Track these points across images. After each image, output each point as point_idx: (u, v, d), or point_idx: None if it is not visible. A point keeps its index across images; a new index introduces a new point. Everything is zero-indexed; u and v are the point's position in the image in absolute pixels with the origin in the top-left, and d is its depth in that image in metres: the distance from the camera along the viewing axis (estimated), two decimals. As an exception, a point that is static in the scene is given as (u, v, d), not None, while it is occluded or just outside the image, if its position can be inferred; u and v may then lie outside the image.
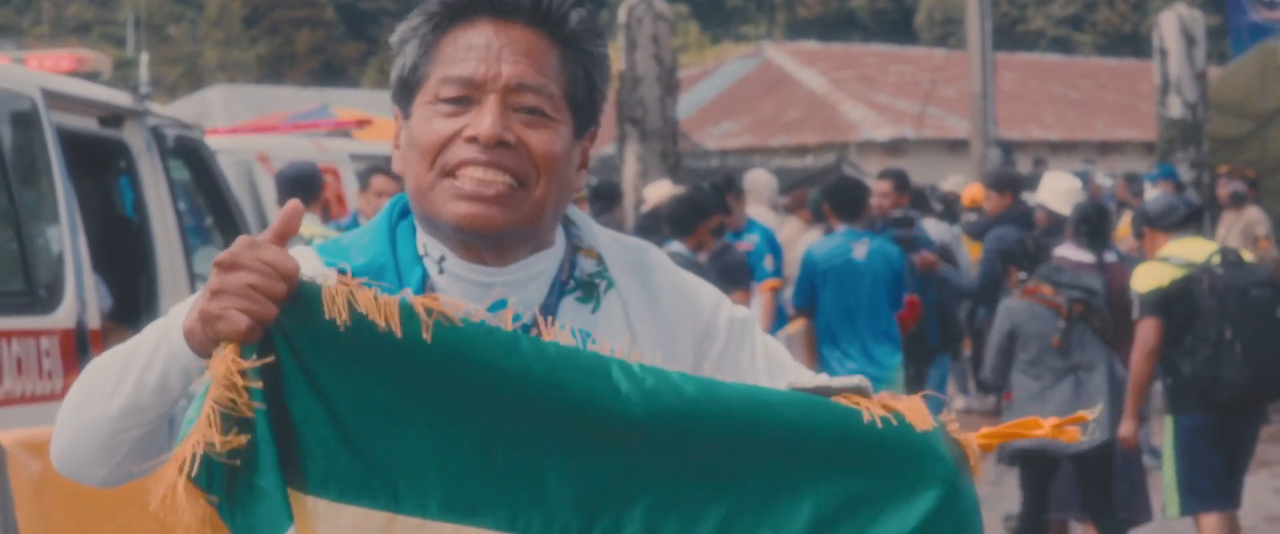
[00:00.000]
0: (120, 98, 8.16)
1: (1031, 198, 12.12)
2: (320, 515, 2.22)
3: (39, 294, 6.92)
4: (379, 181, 11.03)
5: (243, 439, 2.17)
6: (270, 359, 2.20)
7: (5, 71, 7.31)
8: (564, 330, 2.34)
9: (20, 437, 4.86)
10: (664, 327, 2.53)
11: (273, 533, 2.18)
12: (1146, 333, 8.55)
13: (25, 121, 7.12)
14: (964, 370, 16.12)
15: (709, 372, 2.55)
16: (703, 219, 10.49)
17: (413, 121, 2.46)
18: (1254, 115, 20.59)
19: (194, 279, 8.32)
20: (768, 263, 11.87)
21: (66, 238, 7.10)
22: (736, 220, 11.93)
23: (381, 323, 2.21)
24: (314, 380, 2.22)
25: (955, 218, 16.02)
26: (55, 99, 7.37)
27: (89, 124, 7.94)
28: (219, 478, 2.18)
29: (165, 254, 8.21)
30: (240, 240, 2.20)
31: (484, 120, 2.39)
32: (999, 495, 10.73)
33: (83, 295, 7.09)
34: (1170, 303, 8.47)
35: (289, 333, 2.21)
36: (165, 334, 2.30)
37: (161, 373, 2.29)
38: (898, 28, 65.91)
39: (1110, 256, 9.56)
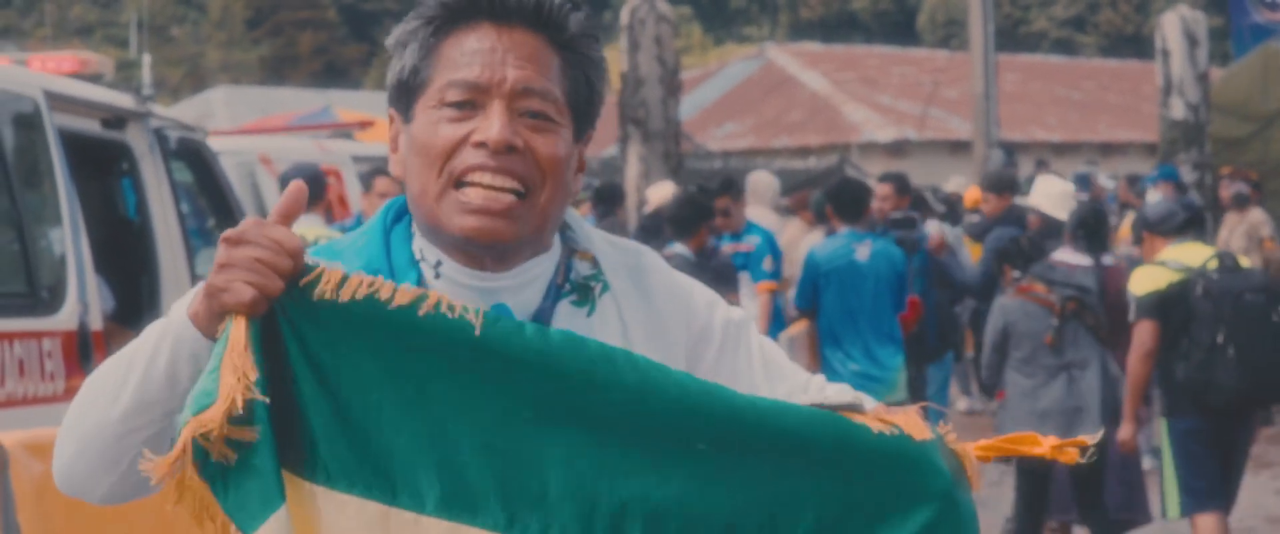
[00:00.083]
0: (123, 99, 8.16)
1: (1023, 201, 12.13)
2: (317, 501, 2.22)
3: (41, 296, 6.92)
4: (382, 183, 11.03)
5: (247, 425, 2.16)
6: (273, 341, 2.21)
7: (8, 73, 7.31)
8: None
9: (22, 438, 4.86)
10: (659, 329, 2.53)
11: (264, 511, 2.17)
12: (1143, 335, 8.57)
13: (28, 123, 7.12)
14: (966, 372, 16.10)
15: (705, 374, 2.55)
16: (705, 220, 10.51)
17: (415, 126, 2.45)
18: (1256, 116, 20.60)
19: (196, 281, 8.31)
20: (767, 264, 11.89)
21: (69, 239, 7.09)
22: (735, 222, 11.94)
23: (385, 297, 2.22)
24: (317, 366, 2.23)
25: (958, 219, 16.00)
26: (58, 101, 7.37)
27: (91, 126, 7.94)
28: (221, 449, 2.17)
29: (167, 256, 8.20)
30: (248, 220, 2.23)
31: (492, 125, 2.38)
32: (1000, 497, 10.72)
33: (85, 297, 7.08)
34: (1166, 306, 8.50)
35: (293, 317, 2.22)
36: (168, 325, 2.30)
37: (169, 361, 2.28)
38: (900, 29, 65.89)
39: (1108, 259, 9.59)
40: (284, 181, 10.55)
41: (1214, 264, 8.51)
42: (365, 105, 27.60)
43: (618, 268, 2.55)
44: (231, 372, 2.16)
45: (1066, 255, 9.44)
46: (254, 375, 2.16)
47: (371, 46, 62.41)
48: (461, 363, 2.24)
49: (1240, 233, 16.61)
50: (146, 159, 8.18)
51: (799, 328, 11.04)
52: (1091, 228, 9.58)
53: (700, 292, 2.61)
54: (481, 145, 2.38)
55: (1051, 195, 11.84)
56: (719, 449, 2.29)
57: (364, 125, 17.86)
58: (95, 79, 8.44)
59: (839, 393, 2.42)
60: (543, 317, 2.46)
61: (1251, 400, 8.57)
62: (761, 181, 15.06)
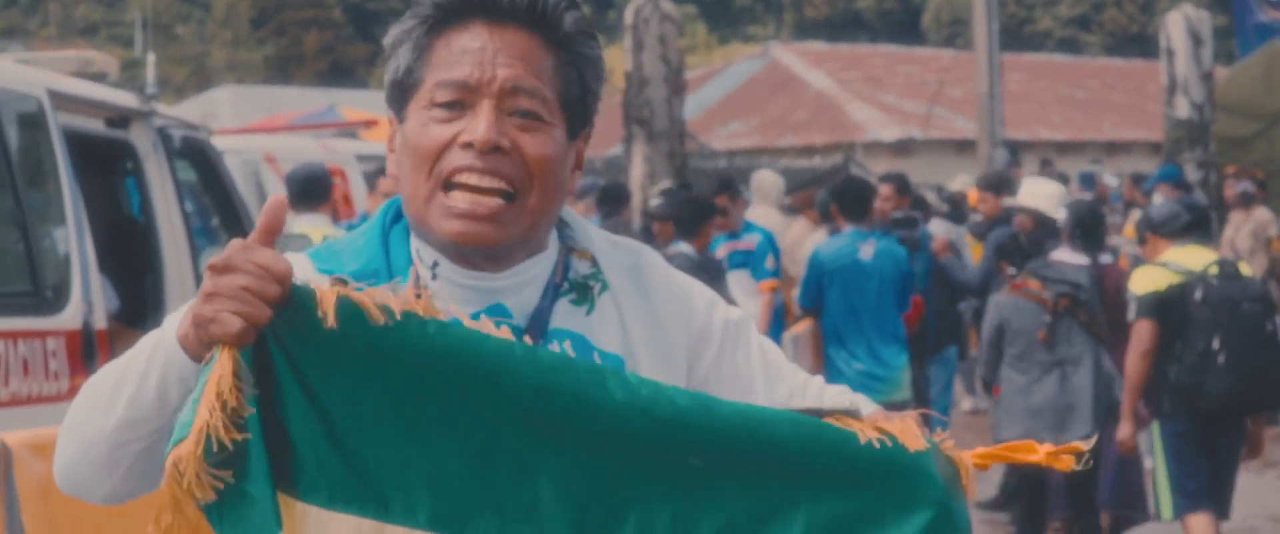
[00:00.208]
0: (127, 98, 8.16)
1: (1011, 202, 12.12)
2: (310, 522, 2.21)
3: (45, 295, 6.92)
4: (387, 183, 11.03)
5: (236, 442, 2.15)
6: (263, 364, 2.19)
7: (12, 72, 7.31)
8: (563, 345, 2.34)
9: (26, 438, 4.86)
10: (658, 328, 2.52)
11: None
12: (1141, 334, 8.61)
13: (32, 122, 7.11)
14: (971, 370, 16.09)
15: (704, 373, 2.55)
16: (709, 220, 10.51)
17: (407, 126, 2.45)
18: (1261, 115, 20.57)
19: (200, 280, 8.29)
20: (769, 263, 11.91)
21: (73, 239, 7.09)
22: (733, 222, 11.94)
23: (377, 319, 2.20)
24: (307, 386, 2.21)
25: (962, 218, 16.00)
26: (62, 100, 7.37)
27: (95, 125, 7.94)
28: (204, 481, 2.16)
29: (172, 255, 8.20)
30: (233, 243, 2.19)
31: (479, 125, 2.38)
32: (985, 475, 10.74)
33: (89, 296, 7.08)
34: (1164, 307, 8.53)
35: (283, 337, 2.20)
36: (160, 343, 2.29)
37: (159, 382, 2.26)
38: (905, 28, 65.86)
39: (1105, 258, 9.61)
40: (290, 181, 10.55)
41: (1215, 270, 8.55)
42: (370, 105, 27.57)
43: (617, 267, 2.54)
44: (207, 407, 2.13)
45: (1064, 254, 9.48)
46: (236, 407, 2.14)
47: (377, 46, 62.36)
48: (453, 382, 2.23)
49: (1246, 232, 16.59)
50: (151, 158, 8.18)
51: (803, 327, 11.04)
52: (1089, 227, 9.62)
53: (700, 291, 2.61)
54: (469, 146, 2.38)
55: (1041, 195, 11.82)
56: (711, 462, 2.28)
57: (369, 124, 17.86)
58: (99, 78, 8.43)
59: (836, 397, 2.42)
60: (541, 316, 2.46)
61: (1240, 407, 8.61)
62: (766, 181, 15.08)
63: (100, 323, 7.18)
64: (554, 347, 2.41)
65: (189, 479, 2.14)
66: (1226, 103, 20.69)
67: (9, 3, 65.23)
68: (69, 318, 6.94)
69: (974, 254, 13.62)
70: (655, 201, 10.12)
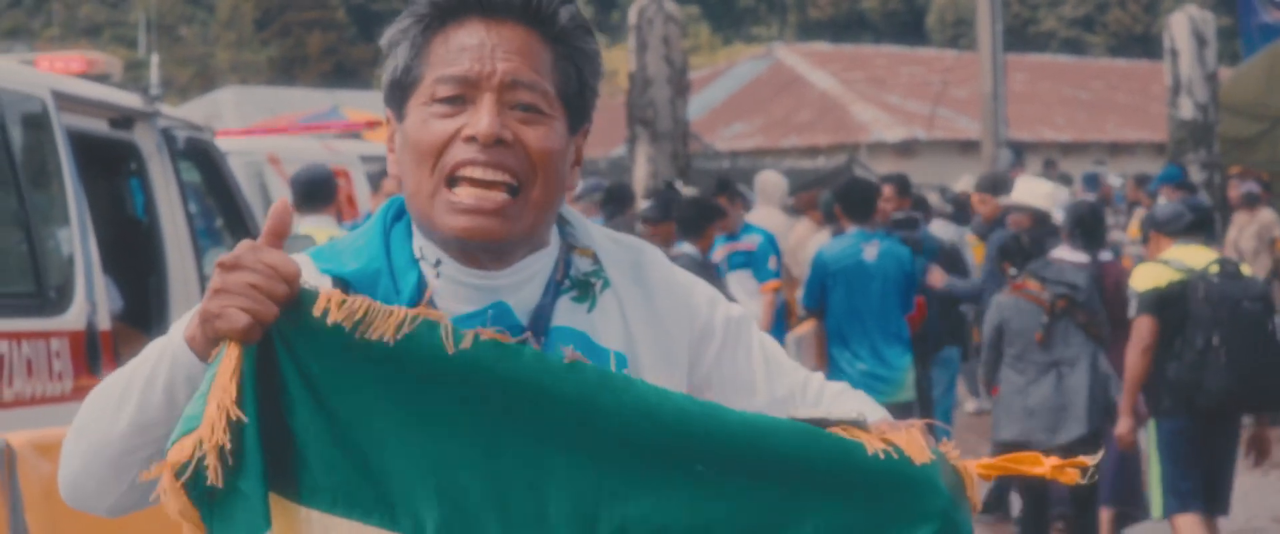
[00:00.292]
0: (131, 99, 8.16)
1: (1005, 201, 12.12)
2: (312, 526, 2.21)
3: (49, 296, 6.92)
4: (390, 183, 11.03)
5: (231, 453, 2.15)
6: (268, 365, 2.19)
7: (16, 73, 7.31)
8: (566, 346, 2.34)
9: (30, 438, 4.86)
10: (660, 326, 2.52)
11: None
12: (1142, 331, 8.64)
13: (36, 123, 7.12)
14: (974, 371, 16.08)
15: (706, 370, 2.55)
16: (712, 221, 10.50)
17: (408, 123, 2.45)
18: (1265, 116, 20.54)
19: (204, 281, 8.31)
20: (771, 263, 11.91)
21: (77, 240, 7.10)
22: (732, 223, 11.94)
23: (384, 334, 2.20)
24: (313, 389, 2.21)
25: (966, 219, 16.00)
26: (66, 101, 7.37)
27: (99, 126, 7.94)
28: (203, 478, 2.16)
29: (176, 256, 8.20)
30: (243, 243, 2.21)
31: (481, 118, 2.38)
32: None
33: (93, 297, 7.09)
34: (1164, 304, 8.56)
35: (290, 340, 2.20)
36: (166, 347, 2.29)
37: (167, 384, 2.27)
38: (909, 29, 65.87)
39: (1105, 256, 9.63)
40: (295, 183, 10.55)
41: (1216, 269, 8.57)
42: (374, 105, 27.54)
43: (619, 264, 2.55)
44: (215, 401, 2.14)
45: (1064, 252, 9.51)
46: (238, 402, 2.15)
47: (381, 47, 62.39)
48: (459, 386, 2.23)
49: (1250, 233, 16.59)
50: (154, 159, 8.18)
51: (806, 327, 11.04)
52: (1088, 226, 9.65)
53: (701, 288, 2.61)
54: (472, 139, 2.38)
55: (1035, 193, 11.81)
56: (717, 470, 2.28)
57: (372, 125, 17.85)
58: (103, 79, 8.44)
59: (842, 406, 2.42)
60: (543, 313, 2.46)
61: (1237, 405, 8.62)
62: (770, 181, 15.07)
63: (104, 324, 7.18)
64: (566, 353, 2.40)
65: (205, 462, 2.14)
66: (1230, 103, 20.67)
67: (13, 3, 65.28)
68: (73, 319, 6.95)
69: (975, 255, 13.63)
70: (645, 205, 10.09)
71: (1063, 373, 9.07)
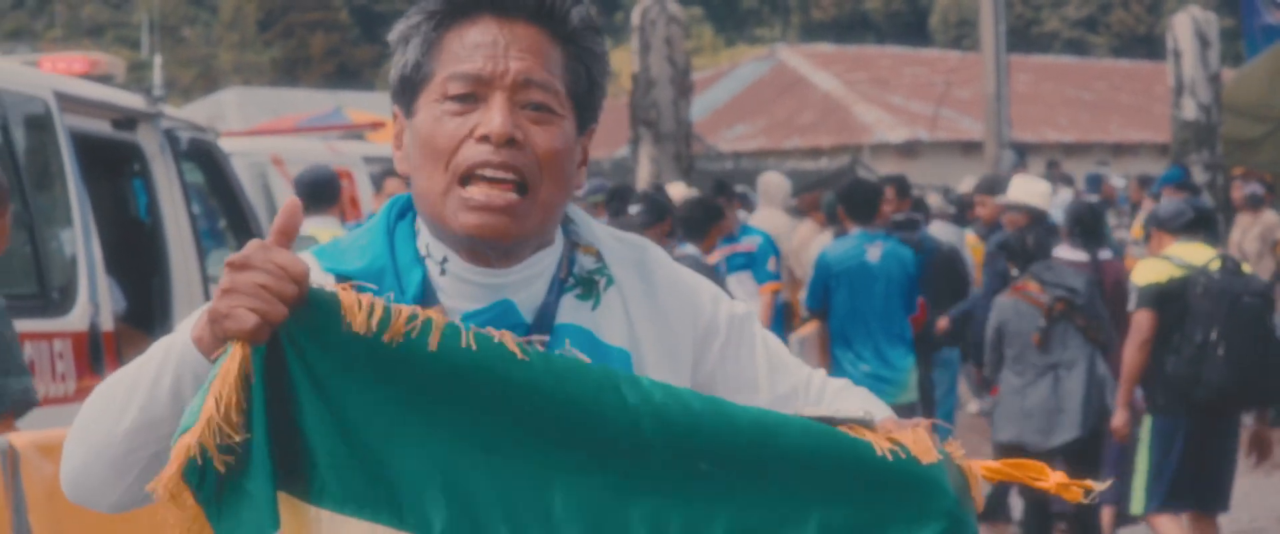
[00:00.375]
0: (134, 100, 8.17)
1: (1001, 199, 12.11)
2: (322, 525, 2.20)
3: (52, 297, 6.92)
4: (392, 184, 11.03)
5: (239, 440, 2.15)
6: (277, 365, 2.19)
7: (19, 74, 7.32)
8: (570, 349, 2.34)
9: (33, 439, 4.86)
10: (664, 323, 2.53)
11: None
12: (1141, 324, 8.67)
13: (39, 124, 7.12)
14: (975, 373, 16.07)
15: (710, 367, 2.55)
16: (715, 222, 10.50)
17: (418, 121, 2.45)
18: (1268, 117, 20.52)
19: (207, 282, 8.31)
20: (770, 265, 11.91)
21: (80, 240, 7.10)
22: (730, 224, 11.94)
23: (393, 335, 2.20)
24: (321, 389, 2.21)
25: (967, 221, 15.99)
26: (69, 102, 7.38)
27: (102, 127, 7.95)
28: (211, 478, 2.16)
29: (179, 257, 8.21)
30: (252, 243, 2.20)
31: (494, 118, 2.38)
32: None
33: (96, 298, 7.09)
34: (1164, 299, 8.57)
35: (298, 340, 2.20)
36: (173, 345, 2.29)
37: (173, 383, 2.27)
38: (912, 30, 65.88)
39: (1105, 254, 9.63)
40: (299, 184, 10.55)
41: (1216, 265, 8.59)
42: (377, 106, 27.60)
43: (622, 262, 2.55)
44: (214, 398, 2.14)
45: (1063, 252, 9.52)
46: (240, 403, 2.14)
47: (383, 48, 61.89)
48: (467, 387, 2.23)
49: (1254, 235, 16.58)
50: (158, 160, 8.19)
51: (809, 329, 11.03)
52: (1088, 225, 9.66)
53: (705, 286, 2.61)
54: (485, 139, 2.38)
55: (1030, 191, 11.82)
56: (723, 469, 2.28)
57: (375, 126, 17.86)
58: (106, 80, 8.44)
59: (848, 404, 2.41)
60: (547, 311, 2.46)
61: (1234, 401, 8.63)
62: (773, 183, 15.06)
63: (107, 324, 7.19)
64: (573, 354, 2.40)
65: (176, 475, 2.14)
66: (1234, 104, 20.66)
67: (16, 4, 65.31)
68: (76, 319, 6.95)
69: (976, 256, 13.62)
70: (633, 209, 10.04)
71: (1060, 376, 9.08)
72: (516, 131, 2.39)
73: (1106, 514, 9.64)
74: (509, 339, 2.25)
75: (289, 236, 2.23)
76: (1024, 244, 9.53)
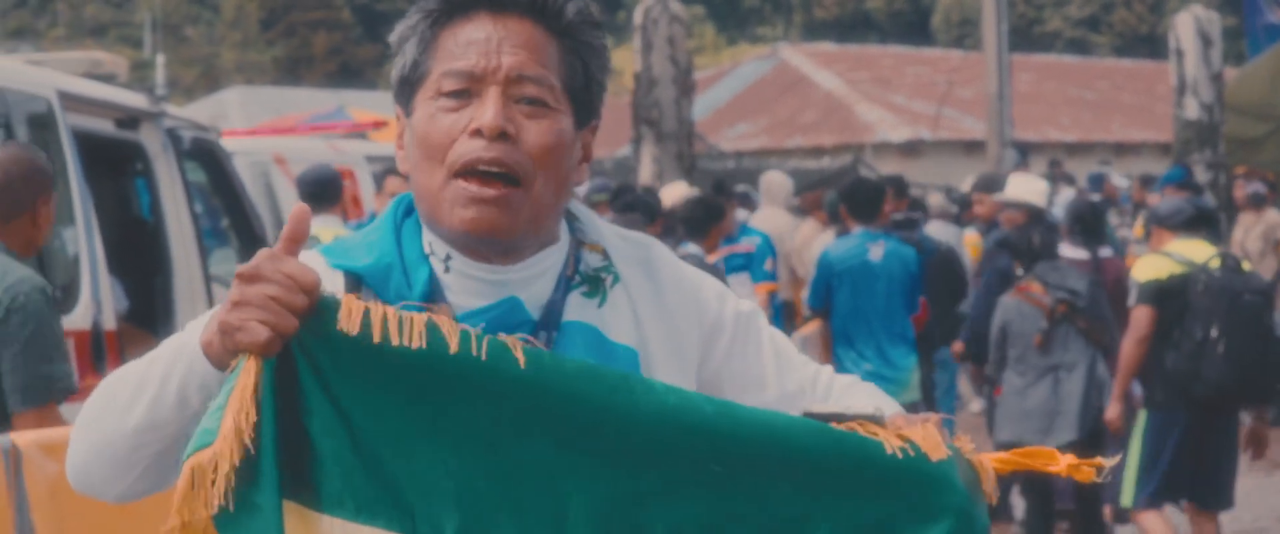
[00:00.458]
0: (136, 99, 8.17)
1: (998, 197, 12.11)
2: None
3: (55, 296, 6.92)
4: (394, 183, 11.04)
5: (248, 468, 2.14)
6: (288, 374, 2.19)
7: (21, 73, 7.32)
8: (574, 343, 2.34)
9: (36, 438, 4.86)
10: (670, 321, 2.53)
11: None
12: (1140, 320, 8.69)
13: (41, 123, 7.12)
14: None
15: (717, 365, 2.56)
16: (717, 221, 10.50)
17: (416, 119, 2.46)
18: (1271, 116, 20.50)
19: (210, 281, 8.32)
20: (767, 266, 11.91)
21: (82, 240, 7.10)
22: (729, 224, 11.94)
23: (403, 341, 2.20)
24: (332, 397, 2.20)
25: (966, 221, 15.99)
26: (71, 101, 7.38)
27: (105, 126, 7.95)
28: (220, 490, 2.15)
29: (181, 256, 8.21)
30: (262, 253, 2.20)
31: (486, 112, 2.39)
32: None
33: (98, 297, 7.09)
34: (1164, 296, 8.59)
35: (309, 348, 2.20)
36: (182, 348, 2.29)
37: (179, 388, 2.27)
38: (914, 29, 65.88)
39: (1105, 252, 9.65)
40: (302, 184, 10.56)
41: (1217, 262, 8.60)
42: (379, 106, 27.60)
43: (628, 259, 2.55)
44: (232, 417, 2.13)
45: (1064, 250, 9.54)
46: (257, 417, 2.14)
47: (386, 47, 61.37)
48: (476, 392, 2.22)
49: (1257, 234, 16.58)
50: (160, 159, 8.19)
51: (812, 328, 11.03)
52: (1088, 222, 9.67)
53: (710, 284, 2.62)
54: (477, 133, 2.39)
55: (1027, 189, 11.83)
56: (734, 470, 2.28)
57: (378, 126, 17.86)
58: (108, 79, 8.44)
59: (856, 401, 2.41)
60: (554, 308, 2.46)
61: (1233, 397, 8.64)
62: (775, 182, 15.07)
63: (109, 323, 7.18)
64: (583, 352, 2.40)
65: (215, 482, 2.13)
66: (1236, 104, 20.64)
67: (18, 3, 65.34)
68: (78, 318, 6.95)
69: (974, 255, 13.62)
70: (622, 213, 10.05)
71: (1060, 377, 9.09)
72: (509, 126, 2.39)
73: (1107, 513, 9.66)
74: (518, 346, 2.25)
75: (298, 244, 2.23)
76: (1030, 243, 9.54)
